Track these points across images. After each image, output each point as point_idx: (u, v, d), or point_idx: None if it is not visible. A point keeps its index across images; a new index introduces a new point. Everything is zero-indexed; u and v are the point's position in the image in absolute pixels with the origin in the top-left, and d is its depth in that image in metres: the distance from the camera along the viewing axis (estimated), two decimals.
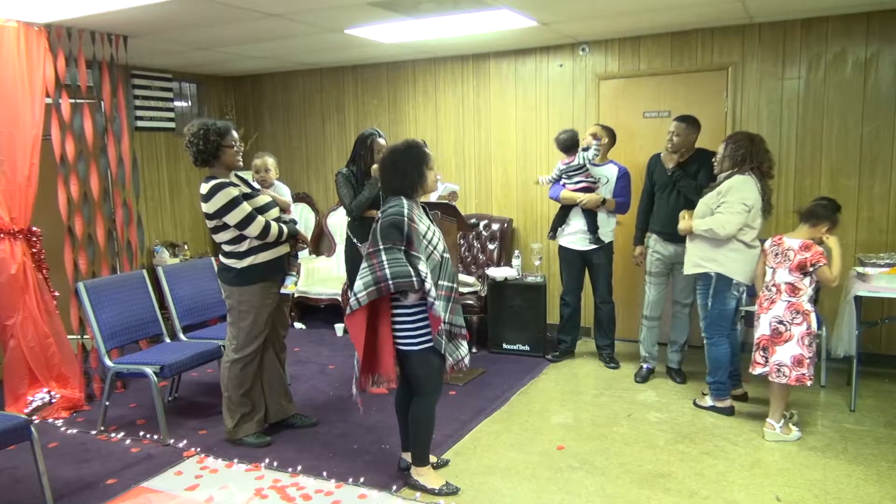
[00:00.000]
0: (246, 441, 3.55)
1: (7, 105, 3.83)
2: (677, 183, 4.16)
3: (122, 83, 4.53)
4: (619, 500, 2.93)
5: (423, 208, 2.94)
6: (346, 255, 4.33)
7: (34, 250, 4.05)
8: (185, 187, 6.37)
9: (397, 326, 2.85)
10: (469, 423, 3.79)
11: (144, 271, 4.20)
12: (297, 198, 6.46)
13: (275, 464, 3.33)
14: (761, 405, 3.85)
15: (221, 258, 3.47)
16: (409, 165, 2.82)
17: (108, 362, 3.71)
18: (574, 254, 4.70)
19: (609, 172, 4.57)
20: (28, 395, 4.05)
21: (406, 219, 2.74)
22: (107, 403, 3.81)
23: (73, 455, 3.51)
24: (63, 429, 3.86)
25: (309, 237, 6.05)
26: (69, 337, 4.24)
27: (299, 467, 3.27)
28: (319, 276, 6.20)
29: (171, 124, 6.20)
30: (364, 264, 2.78)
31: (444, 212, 4.01)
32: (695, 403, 3.97)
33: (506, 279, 5.01)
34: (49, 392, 4.09)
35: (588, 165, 4.47)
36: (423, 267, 2.73)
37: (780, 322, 3.42)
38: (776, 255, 3.48)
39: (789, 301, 3.41)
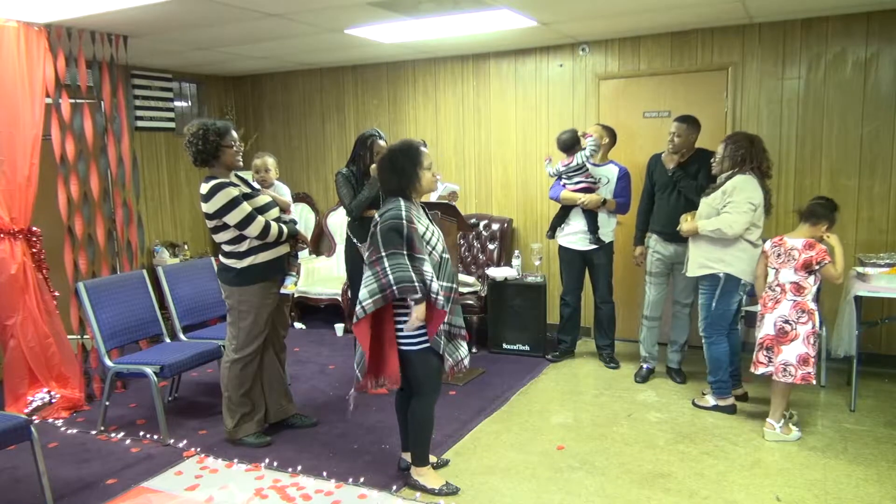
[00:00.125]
0: (246, 441, 3.55)
1: (7, 105, 3.83)
2: (678, 183, 4.16)
3: (122, 83, 4.53)
4: (619, 500, 2.93)
5: (422, 208, 2.94)
6: (346, 255, 4.33)
7: (34, 250, 4.05)
8: (185, 187, 6.37)
9: (397, 327, 2.85)
10: (469, 423, 3.80)
11: (144, 271, 4.20)
12: (297, 198, 6.46)
13: (275, 464, 3.33)
14: (761, 405, 3.85)
15: (221, 258, 3.47)
16: (406, 165, 2.82)
17: (108, 362, 3.71)
18: (574, 254, 4.70)
19: (609, 173, 4.57)
20: (28, 395, 4.05)
21: (404, 221, 2.74)
22: (107, 403, 3.81)
23: (73, 455, 3.51)
24: (63, 429, 3.86)
25: (309, 237, 6.05)
26: (69, 337, 4.24)
27: (299, 467, 3.27)
28: (319, 276, 6.20)
29: (171, 124, 6.20)
30: (368, 272, 2.78)
31: (444, 212, 4.01)
32: (694, 404, 3.97)
33: (506, 279, 5.01)
34: (49, 392, 4.09)
35: (587, 164, 4.47)
36: (428, 268, 2.74)
37: (787, 321, 3.42)
38: (778, 255, 3.48)
39: (795, 300, 3.42)
